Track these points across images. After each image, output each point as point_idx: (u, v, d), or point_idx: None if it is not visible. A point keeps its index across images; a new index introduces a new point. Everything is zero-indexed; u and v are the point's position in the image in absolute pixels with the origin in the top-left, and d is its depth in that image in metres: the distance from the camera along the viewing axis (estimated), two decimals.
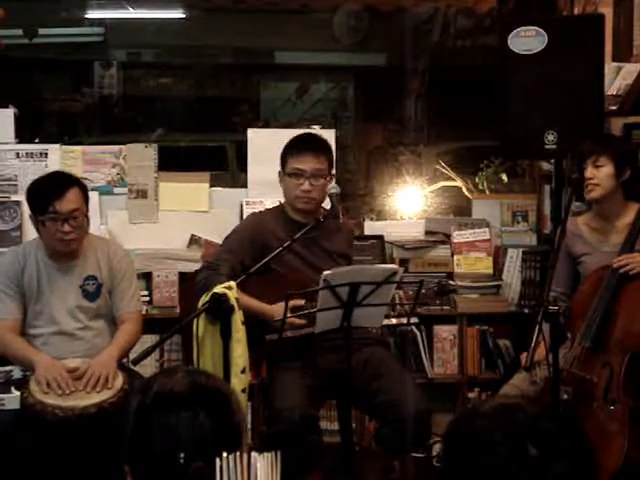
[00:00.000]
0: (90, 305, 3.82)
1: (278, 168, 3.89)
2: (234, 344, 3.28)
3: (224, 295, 3.25)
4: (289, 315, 3.41)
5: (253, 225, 3.93)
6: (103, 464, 2.78)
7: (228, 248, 3.83)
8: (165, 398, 1.74)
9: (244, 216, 4.73)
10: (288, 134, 4.00)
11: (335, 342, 3.53)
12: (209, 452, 1.63)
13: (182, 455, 1.67)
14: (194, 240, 4.84)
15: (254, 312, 3.60)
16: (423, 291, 3.59)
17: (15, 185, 4.73)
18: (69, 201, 3.62)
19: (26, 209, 3.93)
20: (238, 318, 3.29)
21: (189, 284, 4.22)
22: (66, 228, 3.61)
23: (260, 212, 4.08)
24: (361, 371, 3.71)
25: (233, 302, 3.26)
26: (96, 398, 3.49)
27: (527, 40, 4.12)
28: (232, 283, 3.36)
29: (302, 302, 3.56)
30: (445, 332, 4.93)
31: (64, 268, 3.79)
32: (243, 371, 3.31)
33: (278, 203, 4.06)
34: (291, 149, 3.87)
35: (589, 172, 3.82)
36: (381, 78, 9.93)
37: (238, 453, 1.63)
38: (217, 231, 4.63)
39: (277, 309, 3.51)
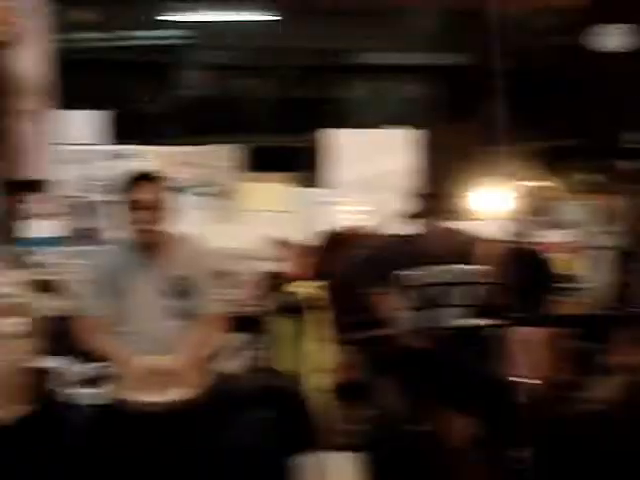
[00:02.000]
0: (175, 304, 3.86)
1: (362, 169, 3.85)
2: (317, 344, 3.27)
3: (304, 295, 3.25)
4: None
5: None
6: (183, 460, 2.81)
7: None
8: (239, 397, 1.74)
9: (326, 217, 4.75)
10: (371, 135, 3.98)
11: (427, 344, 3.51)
12: (284, 451, 1.62)
13: None
14: (276, 240, 4.85)
15: None
16: None
17: (101, 185, 4.81)
18: (143, 191, 3.71)
19: (108, 208, 3.99)
20: (320, 317, 3.29)
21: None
22: (140, 217, 3.68)
23: None
24: (448, 372, 3.70)
25: (313, 302, 3.26)
26: (178, 395, 3.52)
27: (614, 38, 4.04)
28: (314, 283, 3.35)
29: None
30: (528, 334, 4.85)
31: (151, 267, 3.83)
32: (326, 370, 3.30)
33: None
34: None
35: None
36: (465, 77, 9.85)
37: (314, 452, 1.62)
38: (299, 231, 4.64)
39: None
